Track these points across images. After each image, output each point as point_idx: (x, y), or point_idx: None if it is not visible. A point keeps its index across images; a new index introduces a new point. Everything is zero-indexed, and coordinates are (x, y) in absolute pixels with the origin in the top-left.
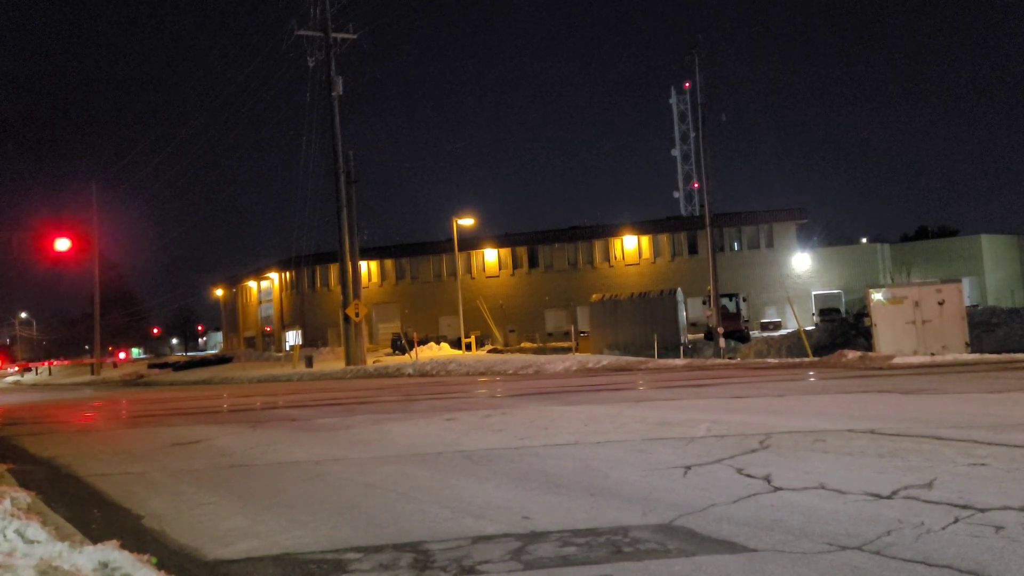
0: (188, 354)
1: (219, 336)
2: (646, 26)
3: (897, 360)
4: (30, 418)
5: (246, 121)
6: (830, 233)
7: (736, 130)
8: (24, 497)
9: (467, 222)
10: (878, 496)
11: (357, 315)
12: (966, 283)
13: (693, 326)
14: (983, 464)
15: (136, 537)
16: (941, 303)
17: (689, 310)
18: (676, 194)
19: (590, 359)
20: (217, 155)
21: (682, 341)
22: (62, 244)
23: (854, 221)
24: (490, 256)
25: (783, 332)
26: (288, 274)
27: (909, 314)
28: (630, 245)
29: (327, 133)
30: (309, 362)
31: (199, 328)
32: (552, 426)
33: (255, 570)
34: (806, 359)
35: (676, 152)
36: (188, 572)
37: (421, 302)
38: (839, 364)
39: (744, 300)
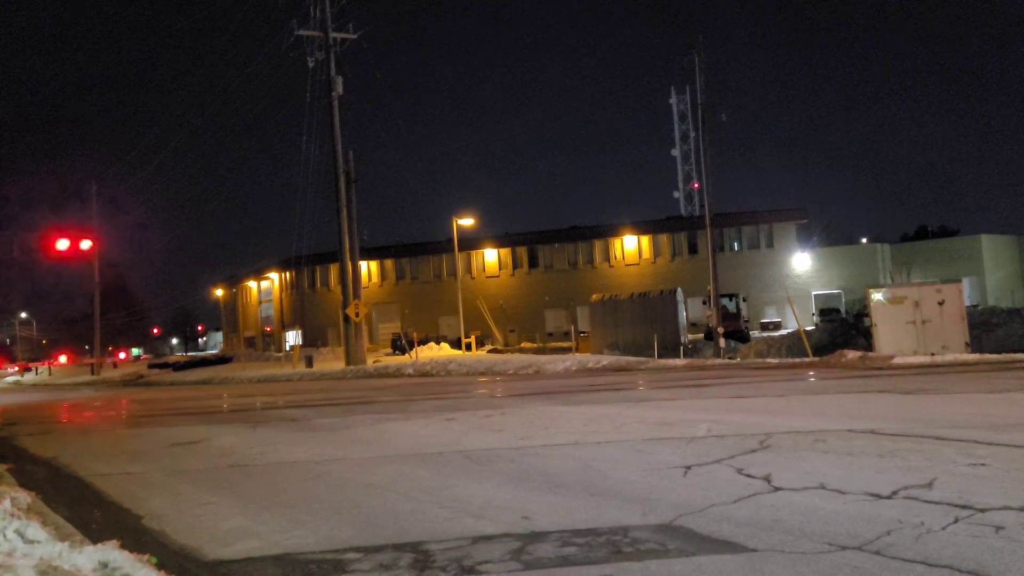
0: (188, 354)
1: (219, 336)
2: (646, 26)
3: (897, 360)
4: (30, 418)
5: (246, 121)
6: (830, 233)
7: (736, 130)
8: (24, 497)
9: (467, 222)
10: (878, 496)
11: (357, 315)
12: (966, 283)
13: (693, 326)
14: (983, 464)
15: (136, 537)
16: (941, 303)
17: (689, 310)
18: (676, 194)
19: (590, 359)
20: (217, 155)
21: (682, 341)
22: (62, 244)
23: (854, 221)
24: (490, 256)
25: (783, 332)
26: (288, 274)
27: (909, 314)
28: (630, 245)
29: (327, 133)
30: (309, 362)
31: (199, 328)
32: (552, 426)
33: (255, 570)
34: (806, 359)
35: (676, 152)
36: (188, 572)
37: (421, 302)
38: (839, 364)
39: (744, 300)
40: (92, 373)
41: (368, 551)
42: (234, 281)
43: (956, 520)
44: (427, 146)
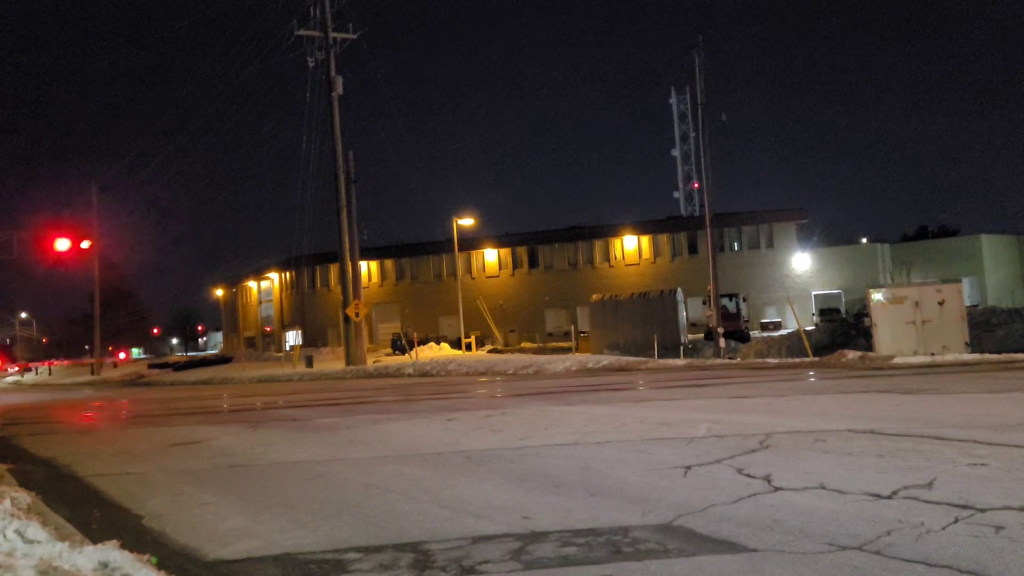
0: (188, 354)
1: (219, 336)
2: (646, 26)
3: (897, 360)
4: (30, 418)
5: (246, 121)
6: (830, 233)
7: (736, 130)
8: (24, 497)
9: (467, 222)
10: (878, 496)
11: (357, 315)
12: (966, 283)
13: (693, 326)
14: (983, 464)
15: (136, 537)
16: (941, 303)
17: (689, 310)
18: (676, 194)
19: (590, 359)
20: (217, 155)
21: (682, 341)
22: (62, 244)
23: (854, 221)
24: (490, 256)
25: (783, 332)
26: (288, 274)
27: (909, 314)
28: (630, 245)
29: (327, 133)
30: (309, 362)
31: (199, 328)
32: (552, 426)
33: (255, 570)
34: (806, 359)
35: (676, 152)
36: (188, 572)
37: (421, 302)
38: (839, 364)
39: (744, 300)
40: (92, 373)
41: (368, 551)
42: (234, 281)
43: (956, 520)
44: (427, 146)
